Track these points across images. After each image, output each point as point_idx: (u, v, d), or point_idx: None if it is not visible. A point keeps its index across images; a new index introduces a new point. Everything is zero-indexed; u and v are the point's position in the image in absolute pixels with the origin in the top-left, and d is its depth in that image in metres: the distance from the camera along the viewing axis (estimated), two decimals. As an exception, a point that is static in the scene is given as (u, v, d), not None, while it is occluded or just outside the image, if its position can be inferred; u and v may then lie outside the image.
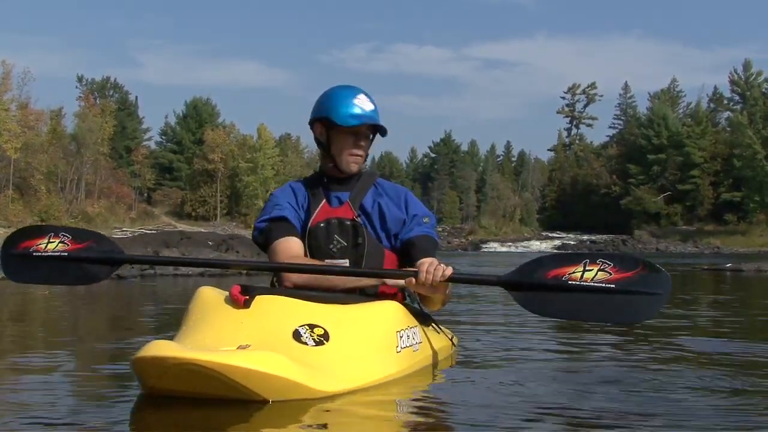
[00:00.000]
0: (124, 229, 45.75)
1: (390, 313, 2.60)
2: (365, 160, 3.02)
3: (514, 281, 2.66)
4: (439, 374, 2.84)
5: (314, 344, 2.28)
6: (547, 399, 2.41)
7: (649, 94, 76.42)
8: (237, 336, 2.25)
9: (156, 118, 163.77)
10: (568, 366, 3.29)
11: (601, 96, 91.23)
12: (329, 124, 2.92)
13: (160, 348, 2.04)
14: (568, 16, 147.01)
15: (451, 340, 3.22)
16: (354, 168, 2.95)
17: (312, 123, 3.00)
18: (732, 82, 68.69)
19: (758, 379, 2.86)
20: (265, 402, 2.08)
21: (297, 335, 2.29)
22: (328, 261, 2.82)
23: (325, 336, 2.31)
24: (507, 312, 6.07)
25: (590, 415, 2.21)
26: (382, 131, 3.00)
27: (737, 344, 3.97)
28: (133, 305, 6.71)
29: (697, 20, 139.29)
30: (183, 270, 11.00)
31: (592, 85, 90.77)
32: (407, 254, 2.90)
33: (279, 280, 2.90)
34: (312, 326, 2.33)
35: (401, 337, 2.58)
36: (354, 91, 2.95)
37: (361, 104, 2.90)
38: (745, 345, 3.96)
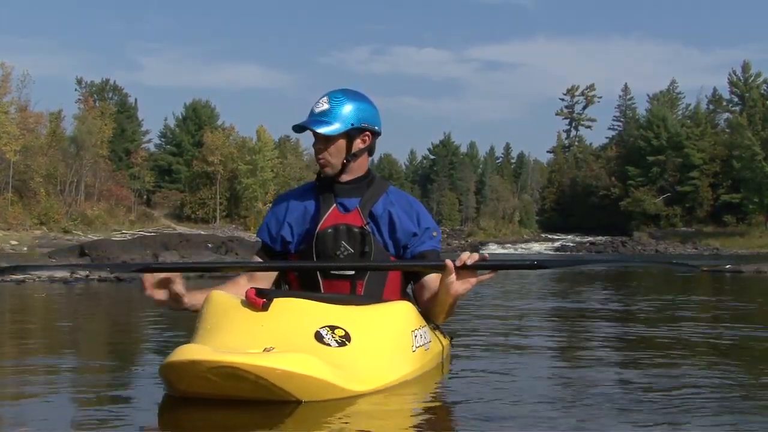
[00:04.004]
0: (124, 231, 45.75)
1: (404, 313, 2.63)
2: (345, 161, 2.85)
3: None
4: (449, 373, 2.88)
5: (337, 345, 2.30)
6: (552, 395, 2.44)
7: (648, 95, 76.56)
8: (259, 339, 2.25)
9: (155, 120, 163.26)
10: (568, 364, 3.31)
11: (600, 98, 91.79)
12: None
13: (193, 352, 2.05)
14: (568, 18, 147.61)
15: (450, 339, 3.26)
16: (326, 171, 2.87)
17: None
18: (731, 83, 68.84)
19: (762, 378, 2.88)
20: (297, 402, 2.10)
21: (319, 337, 2.31)
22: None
23: (347, 337, 2.33)
24: (505, 309, 6.09)
25: (592, 412, 2.22)
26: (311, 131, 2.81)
27: (738, 342, 3.98)
28: (133, 307, 6.71)
29: (696, 21, 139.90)
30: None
31: (591, 87, 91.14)
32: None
33: (286, 280, 2.95)
34: (333, 327, 2.34)
35: (415, 336, 2.61)
36: (326, 94, 2.89)
37: (315, 107, 2.85)
38: (747, 343, 3.97)
